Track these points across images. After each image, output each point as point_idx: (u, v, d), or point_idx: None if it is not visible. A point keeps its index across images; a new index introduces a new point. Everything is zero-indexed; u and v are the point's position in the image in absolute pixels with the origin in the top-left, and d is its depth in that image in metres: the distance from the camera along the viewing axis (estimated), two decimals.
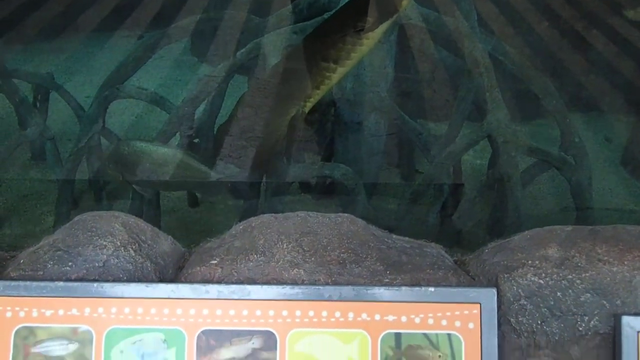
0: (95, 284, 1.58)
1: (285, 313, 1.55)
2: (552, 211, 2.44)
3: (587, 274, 1.66)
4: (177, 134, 2.56)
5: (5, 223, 2.49)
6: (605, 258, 1.67)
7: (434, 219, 2.29)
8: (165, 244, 1.84)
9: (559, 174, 2.49)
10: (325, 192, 2.42)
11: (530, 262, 1.69)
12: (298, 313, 1.55)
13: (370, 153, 2.62)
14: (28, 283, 1.59)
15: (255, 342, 1.53)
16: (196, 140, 2.58)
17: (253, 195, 2.34)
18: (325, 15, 2.63)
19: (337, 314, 1.55)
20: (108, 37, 3.25)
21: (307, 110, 2.41)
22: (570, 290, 1.64)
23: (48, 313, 1.56)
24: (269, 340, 1.54)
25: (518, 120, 2.61)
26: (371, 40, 2.28)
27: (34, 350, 1.54)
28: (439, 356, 1.52)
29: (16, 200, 2.62)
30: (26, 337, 1.55)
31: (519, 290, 1.65)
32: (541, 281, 1.66)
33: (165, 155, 2.34)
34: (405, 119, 2.45)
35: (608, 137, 3.14)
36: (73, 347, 1.54)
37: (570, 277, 1.66)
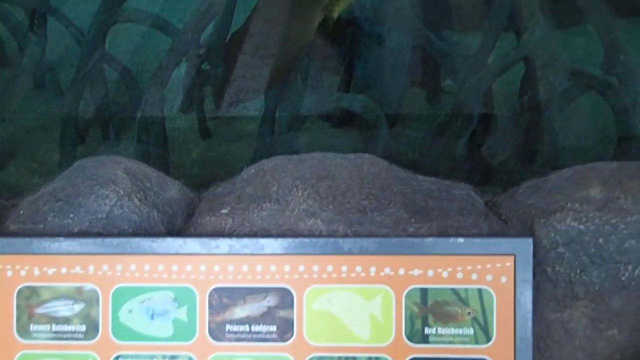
0: (99, 240, 1.48)
1: (302, 268, 1.44)
2: (592, 141, 2.24)
3: (632, 218, 1.51)
4: (184, 61, 2.37)
5: (10, 161, 2.38)
6: None
7: (461, 151, 2.12)
8: (173, 189, 1.71)
9: (596, 94, 2.27)
10: (344, 123, 2.25)
11: (569, 204, 1.54)
12: (316, 268, 1.44)
13: (393, 71, 2.40)
14: (28, 239, 1.49)
15: (271, 300, 1.44)
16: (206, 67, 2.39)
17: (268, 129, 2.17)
18: None
19: (358, 269, 1.43)
20: None
21: (335, 14, 2.17)
22: (613, 236, 1.50)
23: (50, 271, 1.47)
24: (286, 298, 1.43)
25: (553, 27, 2.34)
26: None
27: (39, 310, 1.46)
28: (469, 313, 1.41)
29: (21, 135, 2.50)
30: (29, 297, 1.47)
31: (557, 237, 1.51)
32: (581, 226, 1.51)
33: None
34: (430, 38, 2.22)
35: None
36: (79, 307, 1.46)
37: (613, 221, 1.51)
